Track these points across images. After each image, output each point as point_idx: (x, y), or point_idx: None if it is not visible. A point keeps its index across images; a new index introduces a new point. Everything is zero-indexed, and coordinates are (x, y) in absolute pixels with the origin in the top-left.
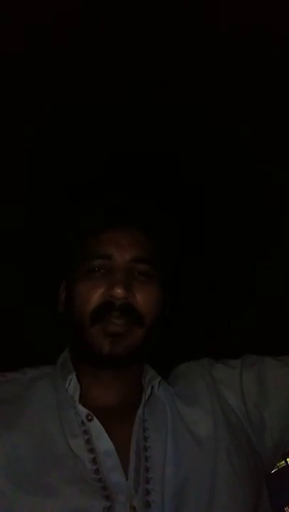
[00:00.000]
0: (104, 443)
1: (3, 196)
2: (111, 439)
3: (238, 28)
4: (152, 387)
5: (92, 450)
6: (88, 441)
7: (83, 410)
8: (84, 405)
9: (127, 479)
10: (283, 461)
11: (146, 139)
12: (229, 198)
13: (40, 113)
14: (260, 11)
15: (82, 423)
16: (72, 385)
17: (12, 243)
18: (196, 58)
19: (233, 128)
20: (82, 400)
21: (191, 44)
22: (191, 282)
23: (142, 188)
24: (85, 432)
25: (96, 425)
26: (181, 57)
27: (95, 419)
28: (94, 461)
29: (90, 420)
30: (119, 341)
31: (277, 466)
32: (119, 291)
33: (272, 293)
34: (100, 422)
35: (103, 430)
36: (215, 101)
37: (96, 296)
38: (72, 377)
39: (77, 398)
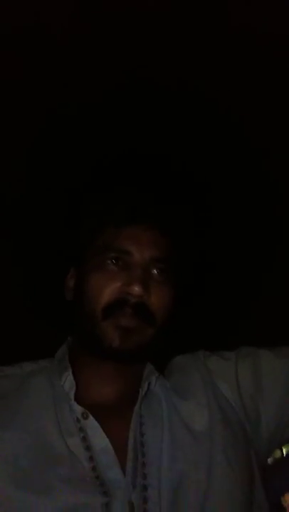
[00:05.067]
0: (100, 441)
1: (18, 178)
2: (107, 435)
3: (241, 25)
4: (149, 382)
5: (88, 448)
6: (84, 439)
7: (78, 408)
8: (80, 402)
9: (124, 475)
10: (279, 452)
11: (170, 140)
12: (239, 200)
13: (61, 104)
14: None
15: (78, 420)
16: (67, 382)
17: (18, 227)
18: (200, 53)
19: (247, 126)
20: (79, 396)
21: (195, 41)
22: (199, 283)
23: (164, 188)
24: (81, 429)
25: (92, 423)
26: (184, 51)
27: (90, 417)
28: (91, 458)
29: (85, 418)
30: (130, 336)
31: (274, 457)
32: (136, 289)
33: (274, 293)
34: (96, 419)
35: (99, 428)
36: (229, 98)
37: (111, 290)
38: (68, 374)
39: (72, 396)
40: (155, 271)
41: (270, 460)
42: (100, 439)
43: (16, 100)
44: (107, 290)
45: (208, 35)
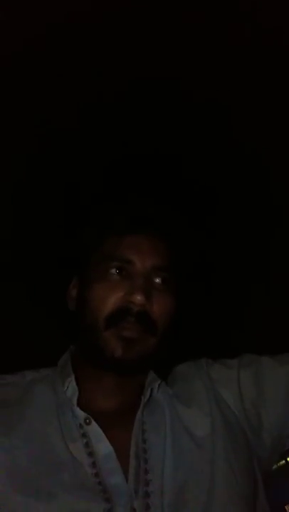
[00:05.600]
0: (103, 446)
1: (19, 188)
2: (110, 442)
3: (236, 25)
4: (152, 389)
5: (91, 454)
6: (87, 445)
7: (81, 414)
8: (83, 408)
9: (127, 482)
10: (283, 461)
11: (170, 147)
12: (239, 207)
13: (60, 112)
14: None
15: (81, 426)
16: (70, 388)
17: (20, 236)
18: (201, 56)
19: (249, 133)
20: (81, 403)
21: (192, 41)
22: (199, 289)
23: (164, 195)
24: (84, 435)
25: (94, 429)
26: (188, 55)
27: (93, 422)
28: (93, 464)
29: (88, 424)
30: (132, 346)
31: (278, 465)
32: (139, 298)
33: (273, 297)
34: (99, 425)
35: (102, 433)
36: (233, 103)
37: (113, 300)
38: (71, 380)
39: (74, 402)
40: (157, 279)
41: (274, 467)
42: (103, 444)
43: (15, 106)
44: (110, 300)
45: (208, 36)
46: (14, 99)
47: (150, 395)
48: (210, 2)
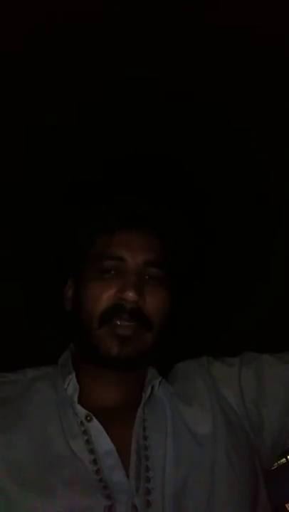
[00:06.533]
0: (104, 443)
1: (13, 188)
2: (111, 439)
3: (235, 27)
4: (152, 386)
5: (92, 451)
6: (88, 442)
7: (82, 411)
8: (84, 405)
9: (128, 479)
10: (284, 459)
11: (161, 142)
12: (233, 202)
13: (54, 111)
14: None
15: (82, 423)
16: (71, 385)
17: (16, 239)
18: (197, 57)
19: (244, 130)
20: (82, 400)
21: (191, 42)
22: (196, 285)
23: (155, 191)
24: (85, 432)
25: (95, 426)
26: (182, 55)
27: (94, 419)
28: (94, 461)
29: (89, 421)
30: (128, 344)
31: (278, 463)
32: (130, 295)
33: (272, 293)
34: (100, 422)
35: (103, 431)
36: (229, 102)
37: (106, 298)
38: (72, 378)
39: (75, 399)
40: (150, 275)
41: (274, 466)
42: (103, 441)
43: (12, 106)
44: (103, 298)
45: (207, 37)
46: (8, 99)
47: (151, 392)
48: (209, 2)
